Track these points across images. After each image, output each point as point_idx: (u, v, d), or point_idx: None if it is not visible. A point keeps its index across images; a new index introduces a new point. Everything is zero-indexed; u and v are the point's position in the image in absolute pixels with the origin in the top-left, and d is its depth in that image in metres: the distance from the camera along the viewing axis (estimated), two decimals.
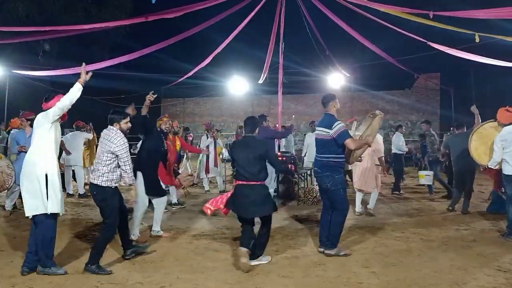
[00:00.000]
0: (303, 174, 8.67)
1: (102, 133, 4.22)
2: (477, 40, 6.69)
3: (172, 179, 5.86)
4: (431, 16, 6.64)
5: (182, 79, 12.77)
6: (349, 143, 4.44)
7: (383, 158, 6.81)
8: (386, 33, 9.33)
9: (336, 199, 4.59)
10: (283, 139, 10.17)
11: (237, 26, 10.03)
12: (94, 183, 4.05)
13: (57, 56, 17.07)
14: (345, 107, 19.70)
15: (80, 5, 16.70)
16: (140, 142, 7.33)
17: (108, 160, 4.04)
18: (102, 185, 4.01)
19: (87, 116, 9.51)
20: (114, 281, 3.75)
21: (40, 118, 4.08)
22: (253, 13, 9.62)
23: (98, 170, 4.05)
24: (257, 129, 4.54)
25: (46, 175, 3.84)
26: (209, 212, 4.47)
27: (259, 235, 4.40)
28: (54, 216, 3.93)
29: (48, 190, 3.83)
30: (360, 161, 5.35)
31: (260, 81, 12.64)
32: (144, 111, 5.12)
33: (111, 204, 4.06)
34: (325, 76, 13.05)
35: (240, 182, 4.31)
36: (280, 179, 8.28)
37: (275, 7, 9.52)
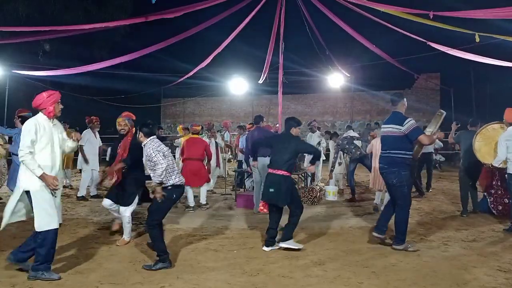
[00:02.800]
0: (303, 174, 8.67)
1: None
2: (477, 40, 6.69)
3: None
4: (431, 16, 6.64)
5: (182, 79, 12.78)
6: (423, 139, 4.65)
7: None
8: (386, 33, 9.33)
9: (399, 195, 4.76)
10: None
11: (237, 26, 10.04)
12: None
13: (57, 56, 17.05)
14: (345, 107, 19.71)
15: (80, 5, 16.68)
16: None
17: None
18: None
19: (86, 116, 9.50)
20: (114, 281, 3.75)
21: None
22: (253, 13, 9.62)
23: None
24: (292, 127, 4.99)
25: (28, 192, 3.69)
26: (265, 210, 5.10)
27: (290, 215, 4.82)
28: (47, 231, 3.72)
29: (34, 207, 3.67)
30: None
31: (260, 81, 12.64)
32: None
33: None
34: (325, 76, 13.06)
35: (271, 171, 4.82)
36: None
37: (275, 7, 9.53)
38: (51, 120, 3.94)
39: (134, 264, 4.25)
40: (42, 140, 3.76)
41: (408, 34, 8.58)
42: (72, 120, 8.79)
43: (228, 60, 17.07)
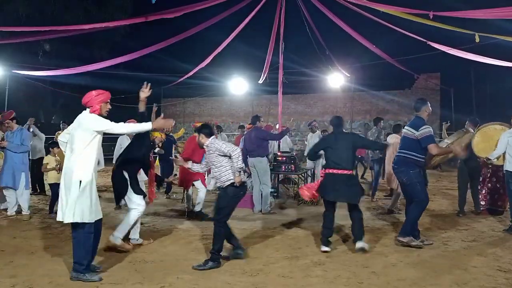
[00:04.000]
0: (303, 174, 8.67)
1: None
2: (477, 40, 6.69)
3: (152, 193, 5.51)
4: (431, 16, 6.64)
5: (182, 79, 12.77)
6: (432, 148, 4.77)
7: None
8: (386, 33, 9.33)
9: (412, 192, 4.96)
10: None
11: (237, 26, 10.03)
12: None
13: (57, 56, 17.06)
14: (345, 107, 19.71)
15: (80, 5, 16.69)
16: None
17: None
18: None
19: None
20: (114, 281, 3.75)
21: (83, 120, 3.86)
22: (253, 13, 9.62)
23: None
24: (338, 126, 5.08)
25: (80, 182, 3.71)
26: (306, 196, 5.04)
27: (352, 221, 4.89)
28: (86, 223, 3.74)
29: (78, 198, 3.68)
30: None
31: (260, 81, 12.63)
32: (141, 107, 4.86)
33: None
34: (325, 76, 13.05)
35: (331, 171, 4.78)
36: (280, 179, 8.28)
37: (275, 7, 9.52)
38: None
39: (134, 264, 4.25)
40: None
41: (408, 34, 8.57)
42: (72, 120, 8.80)
43: (228, 60, 17.07)
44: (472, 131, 6.24)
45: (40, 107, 18.37)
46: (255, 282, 3.77)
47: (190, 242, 5.11)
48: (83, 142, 3.77)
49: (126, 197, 4.74)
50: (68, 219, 3.69)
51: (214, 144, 4.44)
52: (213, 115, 22.10)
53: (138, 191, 4.78)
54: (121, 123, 4.01)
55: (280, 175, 8.28)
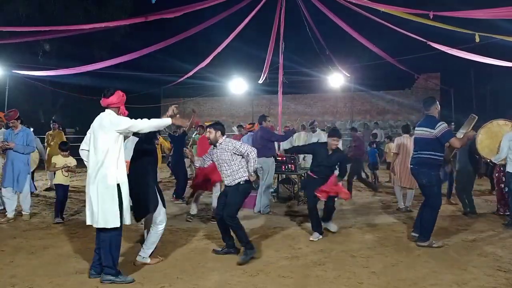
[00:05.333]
0: (303, 174, 8.66)
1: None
2: (477, 40, 6.69)
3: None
4: (431, 16, 6.64)
5: (182, 79, 12.77)
6: (454, 142, 4.87)
7: None
8: (386, 33, 9.33)
9: (429, 195, 4.98)
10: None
11: (237, 26, 10.03)
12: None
13: (57, 56, 17.06)
14: (345, 107, 19.70)
15: (80, 5, 16.68)
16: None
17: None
18: None
19: (86, 116, 9.49)
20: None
21: (105, 122, 3.70)
22: (253, 13, 9.62)
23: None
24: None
25: (118, 185, 3.63)
26: (323, 196, 5.17)
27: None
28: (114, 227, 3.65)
29: (113, 203, 3.60)
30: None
31: (260, 81, 12.63)
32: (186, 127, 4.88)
33: None
34: (325, 76, 13.07)
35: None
36: (280, 179, 8.28)
37: (275, 7, 9.52)
38: None
39: (134, 264, 4.24)
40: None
41: (408, 34, 8.57)
42: (72, 120, 8.79)
43: (228, 60, 17.09)
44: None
45: (40, 107, 18.35)
46: (255, 282, 3.77)
47: (190, 242, 5.11)
48: (111, 144, 3.64)
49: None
50: (101, 225, 3.61)
51: (232, 143, 4.49)
52: (213, 115, 22.06)
53: (164, 201, 4.33)
54: (144, 119, 3.74)
55: (280, 176, 8.26)
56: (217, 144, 4.53)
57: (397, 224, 6.08)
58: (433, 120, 4.95)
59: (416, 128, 5.26)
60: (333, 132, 5.59)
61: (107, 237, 3.69)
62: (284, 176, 8.15)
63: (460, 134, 5.44)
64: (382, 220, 6.39)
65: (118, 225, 3.63)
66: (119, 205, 3.63)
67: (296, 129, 9.66)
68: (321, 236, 5.20)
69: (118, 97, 3.80)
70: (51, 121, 9.65)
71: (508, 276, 3.93)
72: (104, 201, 3.61)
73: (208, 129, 4.65)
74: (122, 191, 3.66)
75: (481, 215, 6.66)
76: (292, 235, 5.48)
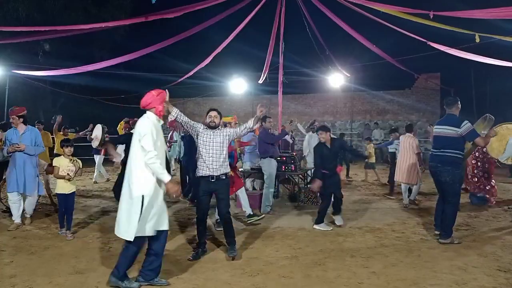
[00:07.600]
0: (303, 174, 8.66)
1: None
2: (477, 40, 6.70)
3: None
4: (431, 16, 6.64)
5: (182, 79, 12.77)
6: (479, 141, 4.98)
7: (420, 154, 7.47)
8: (386, 33, 9.32)
9: (451, 192, 5.06)
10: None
11: (237, 26, 10.03)
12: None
13: (57, 56, 17.04)
14: (345, 107, 19.69)
15: (80, 5, 16.68)
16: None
17: None
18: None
19: (86, 116, 9.45)
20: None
21: (136, 128, 3.60)
22: (253, 13, 9.62)
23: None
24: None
25: (142, 197, 3.45)
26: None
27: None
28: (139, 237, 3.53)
29: (134, 214, 3.45)
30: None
31: (260, 81, 12.63)
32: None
33: None
34: (325, 76, 13.06)
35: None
36: (280, 179, 8.27)
37: (275, 7, 9.52)
38: (160, 120, 3.73)
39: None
40: (157, 142, 3.55)
41: (408, 34, 8.57)
42: (72, 120, 8.75)
43: (228, 60, 17.06)
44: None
45: (40, 107, 18.34)
46: (255, 282, 3.77)
47: (190, 242, 5.11)
48: (139, 153, 3.48)
49: None
50: (123, 236, 3.51)
51: (228, 128, 5.13)
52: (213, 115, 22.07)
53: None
54: (156, 163, 3.45)
55: (280, 176, 8.25)
56: (217, 129, 4.79)
57: (397, 224, 6.08)
58: (456, 119, 5.03)
59: (436, 126, 5.30)
60: (319, 129, 6.16)
61: (127, 243, 3.59)
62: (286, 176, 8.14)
63: (483, 134, 5.62)
64: (382, 220, 6.39)
65: (132, 238, 3.46)
66: (141, 217, 3.44)
67: (288, 130, 9.66)
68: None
69: (150, 97, 3.67)
70: (36, 122, 8.22)
71: (508, 276, 3.93)
72: (126, 213, 3.49)
73: (214, 113, 4.93)
74: (148, 204, 3.47)
75: (481, 215, 6.66)
76: (292, 235, 5.48)
